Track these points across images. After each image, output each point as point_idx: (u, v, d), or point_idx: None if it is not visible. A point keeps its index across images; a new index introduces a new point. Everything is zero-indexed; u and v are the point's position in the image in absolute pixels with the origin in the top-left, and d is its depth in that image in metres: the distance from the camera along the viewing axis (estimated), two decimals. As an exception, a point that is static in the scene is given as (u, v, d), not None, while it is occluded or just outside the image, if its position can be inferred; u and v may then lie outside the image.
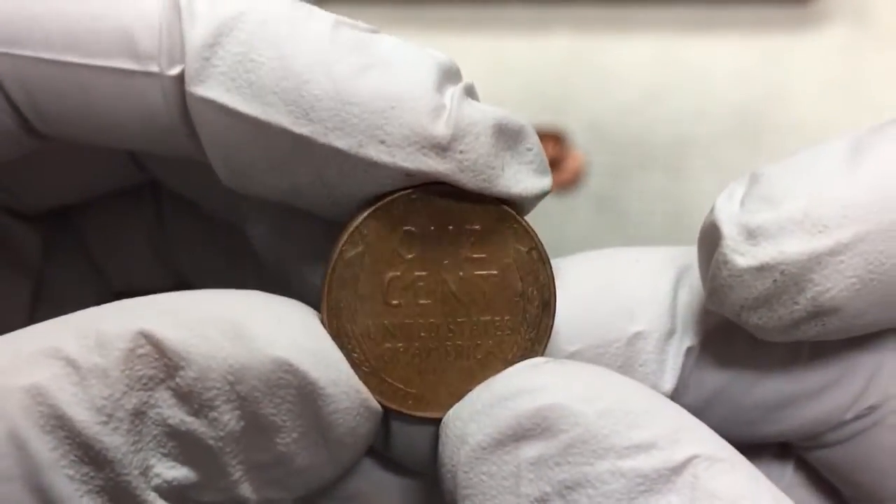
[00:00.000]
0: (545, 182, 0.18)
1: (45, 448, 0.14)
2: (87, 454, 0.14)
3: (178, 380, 0.15)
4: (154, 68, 0.17)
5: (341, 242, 0.17)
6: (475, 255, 0.18)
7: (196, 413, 0.15)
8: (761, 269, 0.16)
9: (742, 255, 0.17)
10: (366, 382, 0.17)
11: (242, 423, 0.15)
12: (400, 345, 0.18)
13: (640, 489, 0.15)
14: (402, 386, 0.17)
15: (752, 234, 0.17)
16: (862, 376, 0.19)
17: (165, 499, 0.15)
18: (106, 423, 0.14)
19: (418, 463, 0.19)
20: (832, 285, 0.16)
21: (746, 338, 0.18)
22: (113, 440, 0.14)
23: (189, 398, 0.15)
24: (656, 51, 0.64)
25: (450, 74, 0.17)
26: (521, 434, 0.16)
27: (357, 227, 0.17)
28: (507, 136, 0.17)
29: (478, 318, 0.18)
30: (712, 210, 0.17)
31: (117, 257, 0.25)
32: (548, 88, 0.60)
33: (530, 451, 0.16)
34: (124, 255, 0.25)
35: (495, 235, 0.18)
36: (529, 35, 0.63)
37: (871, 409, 0.19)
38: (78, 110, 0.17)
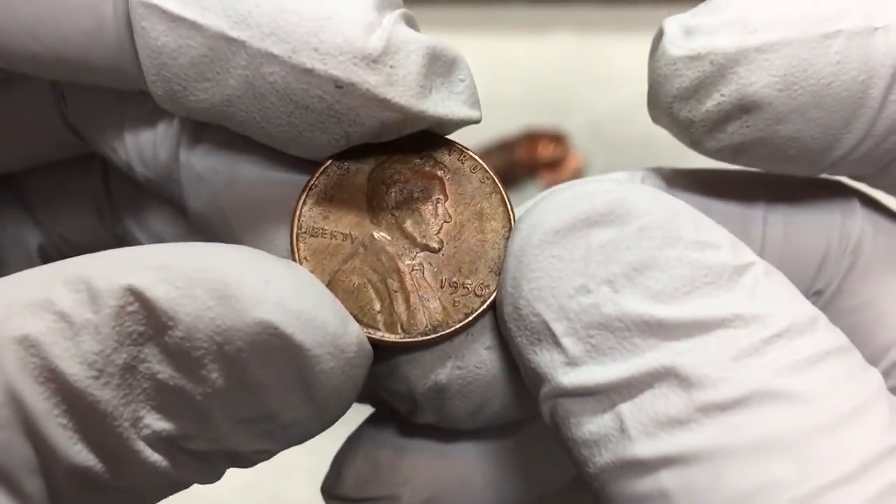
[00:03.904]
0: (473, 113, 0.19)
1: (38, 398, 0.14)
2: (79, 406, 0.15)
3: (166, 337, 0.15)
4: None
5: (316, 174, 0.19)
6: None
7: (184, 370, 0.15)
8: (693, 59, 0.18)
9: (678, 47, 0.18)
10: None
11: (229, 382, 0.15)
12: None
13: (705, 280, 0.16)
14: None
15: (689, 32, 0.18)
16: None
17: (155, 448, 0.16)
18: (97, 377, 0.15)
19: (412, 388, 0.20)
20: (756, 80, 0.17)
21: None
22: (104, 394, 0.15)
23: (177, 355, 0.15)
24: (657, 51, 0.63)
25: (391, 1, 0.18)
26: (594, 219, 0.16)
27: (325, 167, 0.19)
28: (440, 63, 0.18)
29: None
30: (664, 20, 0.19)
31: (64, 225, 0.25)
32: (548, 89, 0.60)
33: (602, 234, 0.16)
34: (71, 223, 0.25)
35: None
36: (530, 36, 0.63)
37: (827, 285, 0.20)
38: (24, 22, 0.18)
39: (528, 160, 0.56)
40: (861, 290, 0.20)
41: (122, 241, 0.25)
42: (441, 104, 0.18)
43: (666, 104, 0.19)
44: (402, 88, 0.17)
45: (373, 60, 0.17)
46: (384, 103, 0.17)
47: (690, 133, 0.19)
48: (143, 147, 0.20)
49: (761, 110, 0.17)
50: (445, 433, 0.21)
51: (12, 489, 0.15)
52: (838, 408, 0.15)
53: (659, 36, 0.19)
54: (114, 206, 0.25)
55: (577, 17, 0.64)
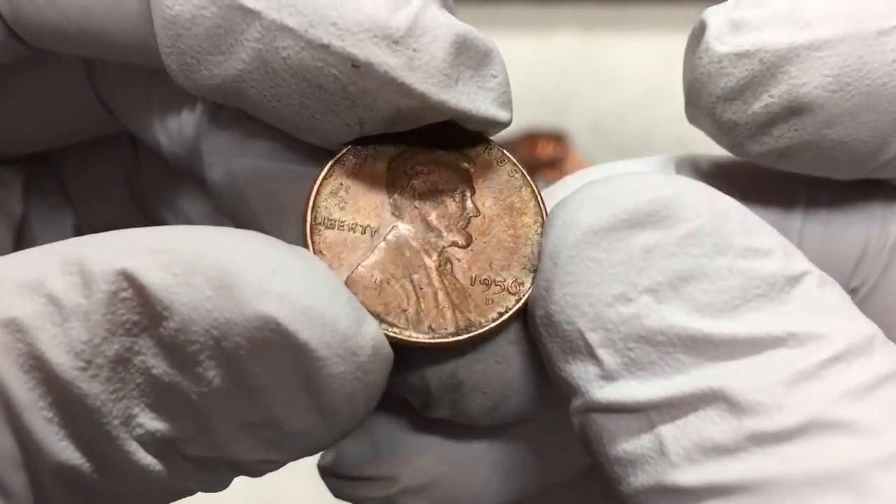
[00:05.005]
0: (501, 114, 0.17)
1: (23, 387, 0.13)
2: (65, 399, 0.14)
3: (161, 329, 0.14)
4: None
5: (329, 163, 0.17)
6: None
7: (179, 366, 0.14)
8: (741, 56, 0.16)
9: (724, 43, 0.16)
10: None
11: (227, 381, 0.14)
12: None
13: (756, 292, 0.15)
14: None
15: (736, 26, 0.16)
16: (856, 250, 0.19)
17: (149, 449, 0.14)
18: (84, 369, 0.14)
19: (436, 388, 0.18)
20: (808, 80, 0.16)
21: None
22: (91, 387, 0.14)
23: (172, 349, 0.14)
24: (658, 51, 0.64)
25: None
26: (637, 220, 0.15)
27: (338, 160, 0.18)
28: (471, 53, 0.17)
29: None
30: (704, 12, 0.17)
31: (96, 201, 0.24)
32: (549, 88, 0.60)
33: (645, 238, 0.15)
34: (102, 199, 0.25)
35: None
36: (531, 35, 0.63)
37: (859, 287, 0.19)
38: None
39: (528, 160, 0.56)
40: None
41: (157, 224, 0.25)
42: (466, 97, 0.16)
43: (708, 105, 0.17)
44: (424, 74, 0.16)
45: (394, 41, 0.15)
46: (402, 88, 0.16)
47: (733, 136, 0.17)
48: (170, 121, 0.20)
49: (812, 113, 0.16)
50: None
51: None
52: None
53: (700, 30, 0.17)
54: (145, 190, 0.24)
55: (578, 16, 0.64)
